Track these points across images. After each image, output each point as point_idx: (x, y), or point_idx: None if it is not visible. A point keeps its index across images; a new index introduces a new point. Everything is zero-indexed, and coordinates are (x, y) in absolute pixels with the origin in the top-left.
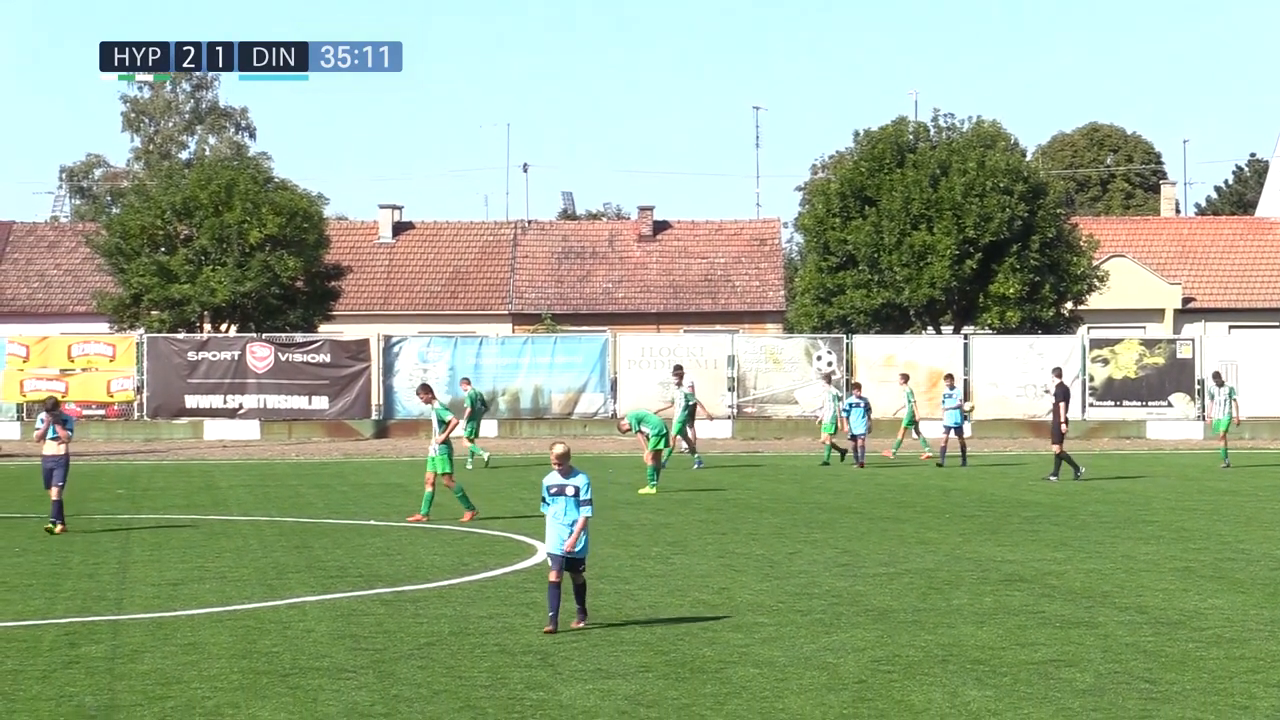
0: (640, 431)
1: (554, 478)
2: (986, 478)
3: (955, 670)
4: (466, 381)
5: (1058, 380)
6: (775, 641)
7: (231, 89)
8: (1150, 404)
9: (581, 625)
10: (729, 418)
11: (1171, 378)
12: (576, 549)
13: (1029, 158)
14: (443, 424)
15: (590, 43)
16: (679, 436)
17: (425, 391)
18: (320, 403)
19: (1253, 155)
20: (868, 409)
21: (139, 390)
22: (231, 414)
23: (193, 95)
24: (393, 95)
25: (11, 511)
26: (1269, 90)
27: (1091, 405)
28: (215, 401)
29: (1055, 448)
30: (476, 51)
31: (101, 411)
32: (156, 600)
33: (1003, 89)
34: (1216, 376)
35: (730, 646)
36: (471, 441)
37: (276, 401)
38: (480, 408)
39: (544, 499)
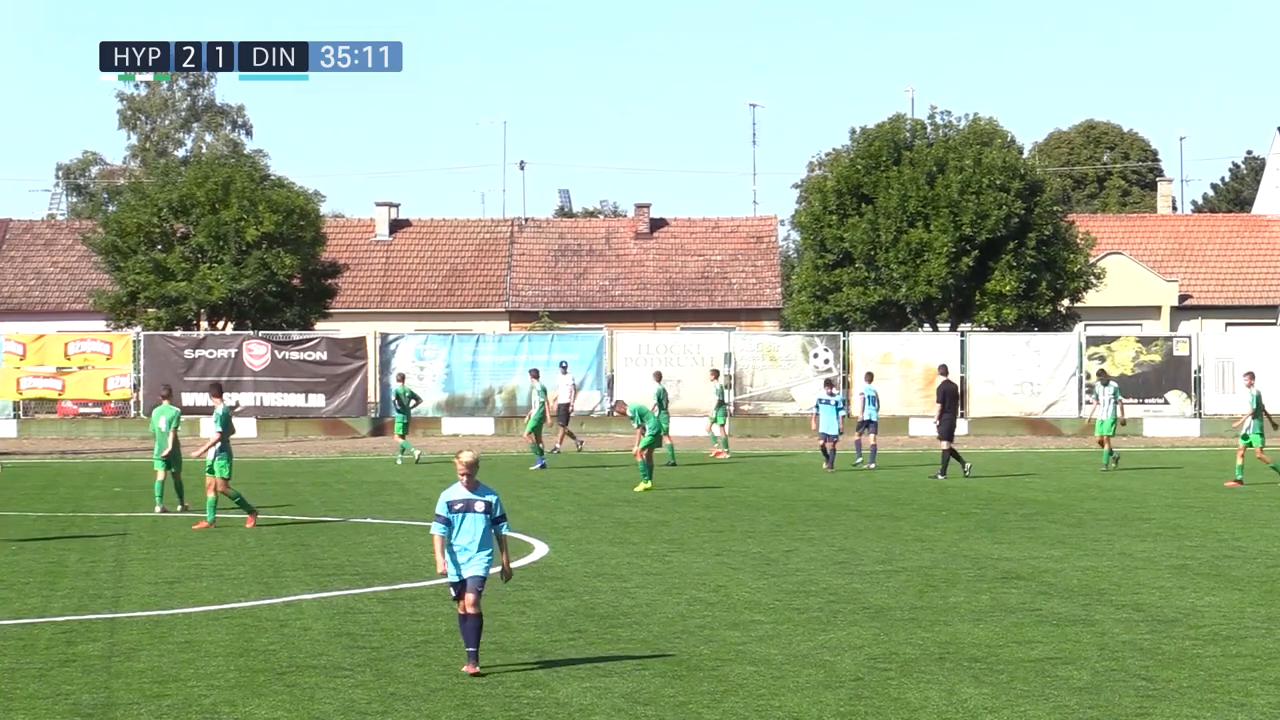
0: (641, 426)
1: (458, 492)
2: (983, 475)
3: (952, 668)
4: (401, 378)
5: (944, 378)
6: (772, 639)
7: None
8: (1147, 401)
9: (475, 671)
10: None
11: (1168, 375)
12: (485, 569)
13: (1026, 155)
14: (219, 428)
15: (587, 40)
16: (531, 435)
17: (214, 391)
18: (317, 400)
19: (1249, 152)
20: (839, 407)
21: (136, 388)
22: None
23: (189, 93)
24: (390, 93)
25: (8, 510)
26: (1265, 88)
27: (1088, 403)
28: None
29: (943, 444)
30: (473, 49)
31: (98, 409)
32: (153, 598)
33: (999, 86)
34: (1102, 375)
35: (727, 644)
36: (403, 438)
37: (273, 399)
38: (410, 404)
39: (439, 517)
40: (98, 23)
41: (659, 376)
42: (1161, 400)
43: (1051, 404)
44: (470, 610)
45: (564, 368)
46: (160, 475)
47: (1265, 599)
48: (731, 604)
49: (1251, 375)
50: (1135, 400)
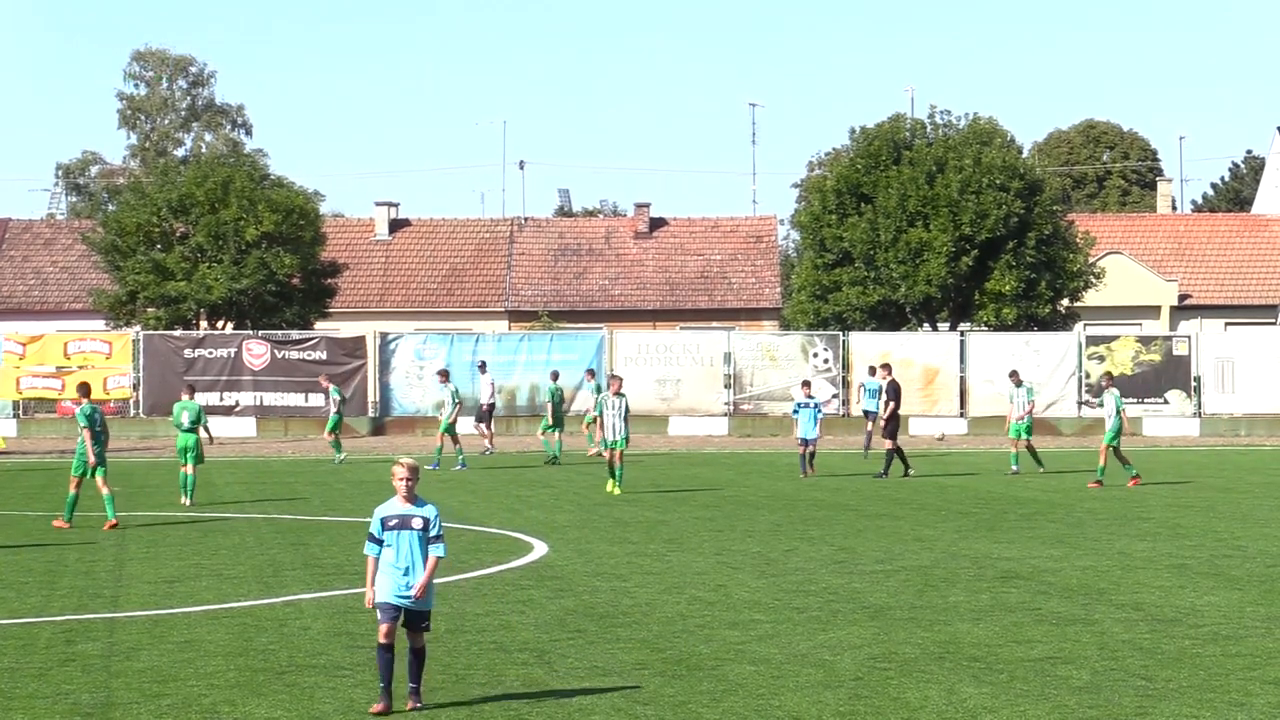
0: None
1: (394, 506)
2: (983, 475)
3: (952, 667)
4: (329, 379)
5: (889, 378)
6: (771, 639)
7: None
8: (1146, 401)
9: (417, 707)
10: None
11: (1167, 375)
12: (429, 600)
13: (1025, 155)
14: (84, 428)
15: (586, 39)
16: (445, 435)
17: (81, 391)
18: (316, 400)
19: (1249, 152)
20: (819, 410)
21: (135, 387)
22: (228, 411)
23: (189, 92)
24: (389, 92)
25: (9, 509)
26: (1265, 87)
27: (1088, 402)
28: (212, 399)
29: (886, 443)
30: (472, 48)
31: None
32: (153, 598)
33: (999, 86)
34: (1014, 375)
35: (726, 644)
36: (333, 438)
37: (273, 399)
38: (341, 405)
39: (372, 536)
40: (97, 23)
41: (555, 376)
42: (1161, 400)
43: (1051, 404)
44: (411, 645)
45: (482, 368)
46: (191, 470)
47: (1265, 598)
48: (731, 603)
49: (1109, 375)
50: (1135, 400)
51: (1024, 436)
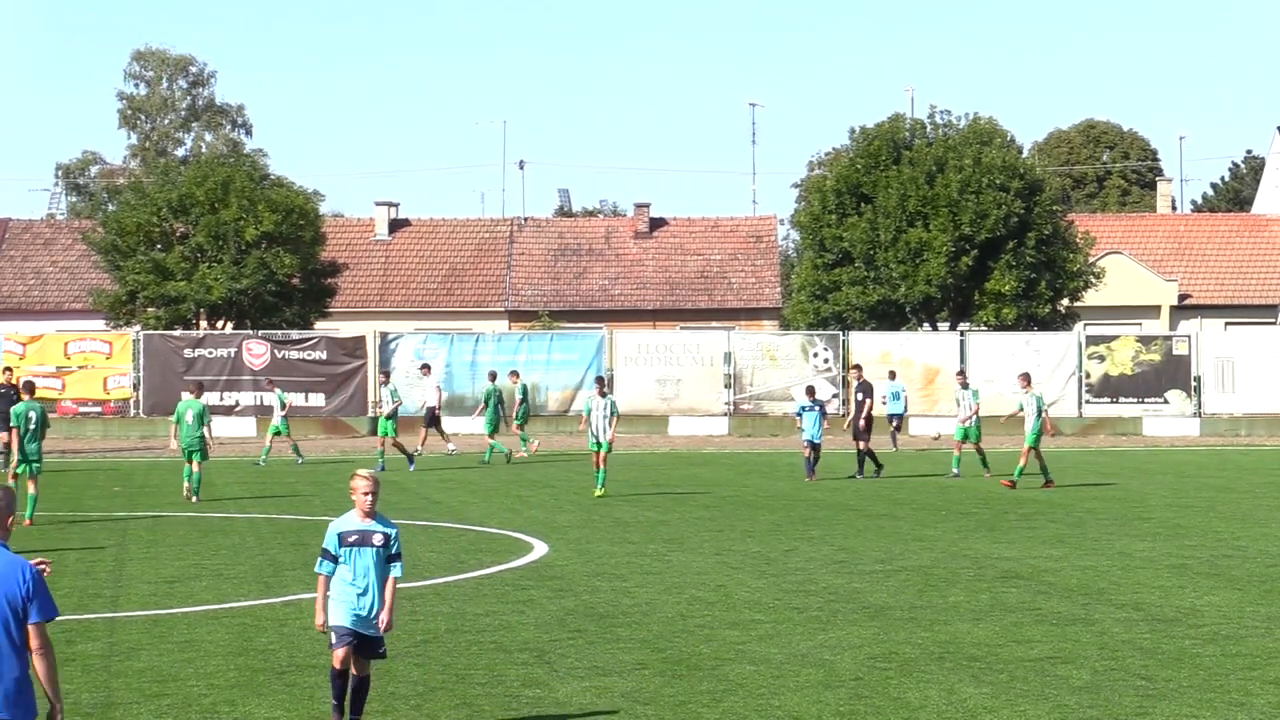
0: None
1: (353, 521)
2: (983, 475)
3: (952, 667)
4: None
5: (860, 378)
6: (772, 639)
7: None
8: (1146, 401)
9: None
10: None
11: (1168, 374)
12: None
13: (1025, 154)
14: (14, 426)
15: (586, 39)
16: (387, 436)
17: (25, 388)
18: (316, 399)
19: (1249, 152)
20: (823, 413)
21: (135, 387)
22: (228, 411)
23: (189, 92)
24: (389, 92)
25: None
26: (1265, 87)
27: (1088, 402)
28: (212, 399)
29: (859, 444)
30: (472, 48)
31: (98, 409)
32: (153, 598)
33: (999, 86)
34: (961, 376)
35: (727, 644)
36: (291, 442)
37: (273, 398)
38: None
39: (327, 552)
40: (97, 23)
41: (493, 376)
42: (1161, 400)
43: (1051, 403)
44: (356, 672)
45: (426, 369)
46: (197, 467)
47: (1265, 598)
48: (731, 603)
49: (1026, 377)
50: (1135, 400)
51: (971, 439)
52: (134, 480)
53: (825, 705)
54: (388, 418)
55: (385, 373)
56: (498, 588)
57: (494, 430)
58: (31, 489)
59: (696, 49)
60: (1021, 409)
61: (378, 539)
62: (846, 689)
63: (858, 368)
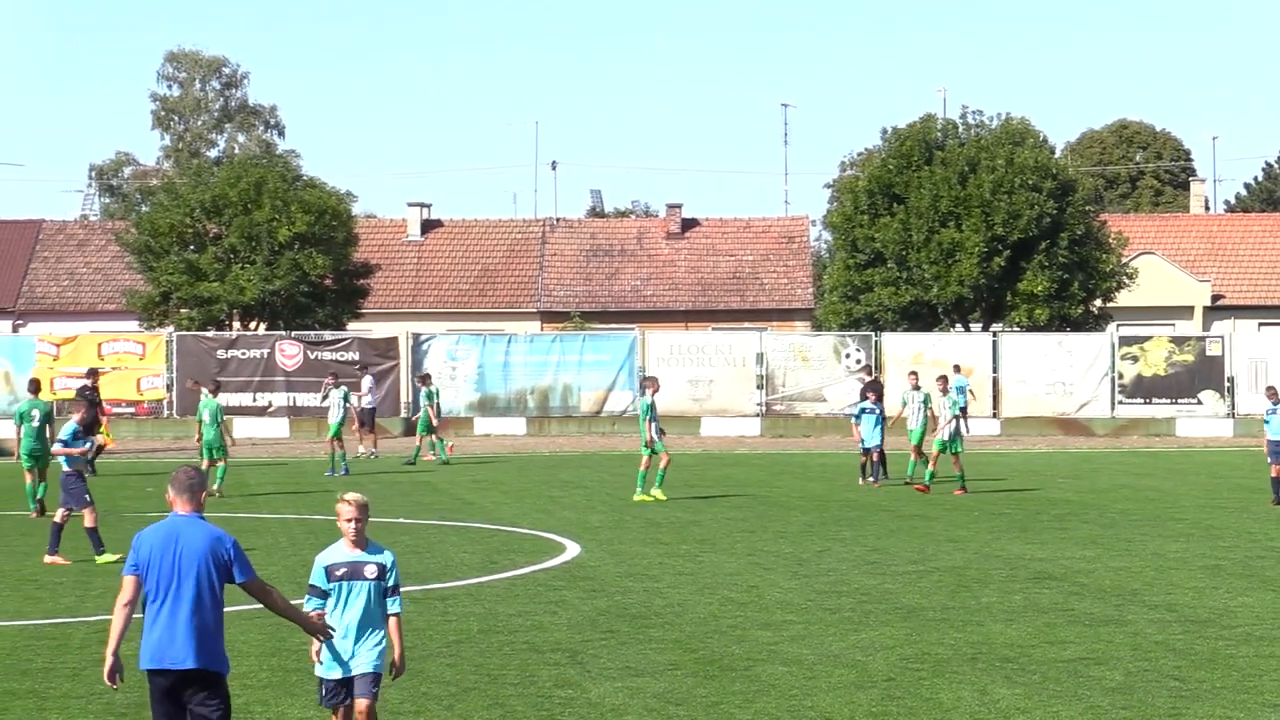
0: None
1: (340, 552)
2: (1016, 476)
3: (984, 668)
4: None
5: (871, 377)
6: (804, 639)
7: (261, 87)
8: (1179, 401)
9: None
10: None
11: (1201, 375)
12: (378, 662)
13: (1058, 155)
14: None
15: (618, 40)
16: (335, 439)
17: (30, 388)
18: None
19: None
20: (882, 416)
21: (169, 388)
22: (261, 412)
23: (222, 93)
24: (421, 93)
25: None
26: None
27: (1121, 403)
28: (244, 399)
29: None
30: (505, 48)
31: (131, 409)
32: None
33: (1031, 86)
34: (913, 377)
35: (759, 644)
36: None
37: (305, 399)
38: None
39: (314, 588)
40: (130, 24)
41: (426, 379)
42: (1194, 400)
43: (1084, 404)
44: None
45: (364, 368)
46: (206, 464)
47: None
48: (763, 604)
49: (944, 379)
50: (1168, 400)
51: (919, 443)
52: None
53: (858, 706)
54: (341, 420)
55: (334, 375)
56: (530, 588)
57: (428, 431)
58: (29, 481)
59: (729, 50)
60: (925, 407)
61: (370, 571)
62: (879, 690)
63: (867, 369)
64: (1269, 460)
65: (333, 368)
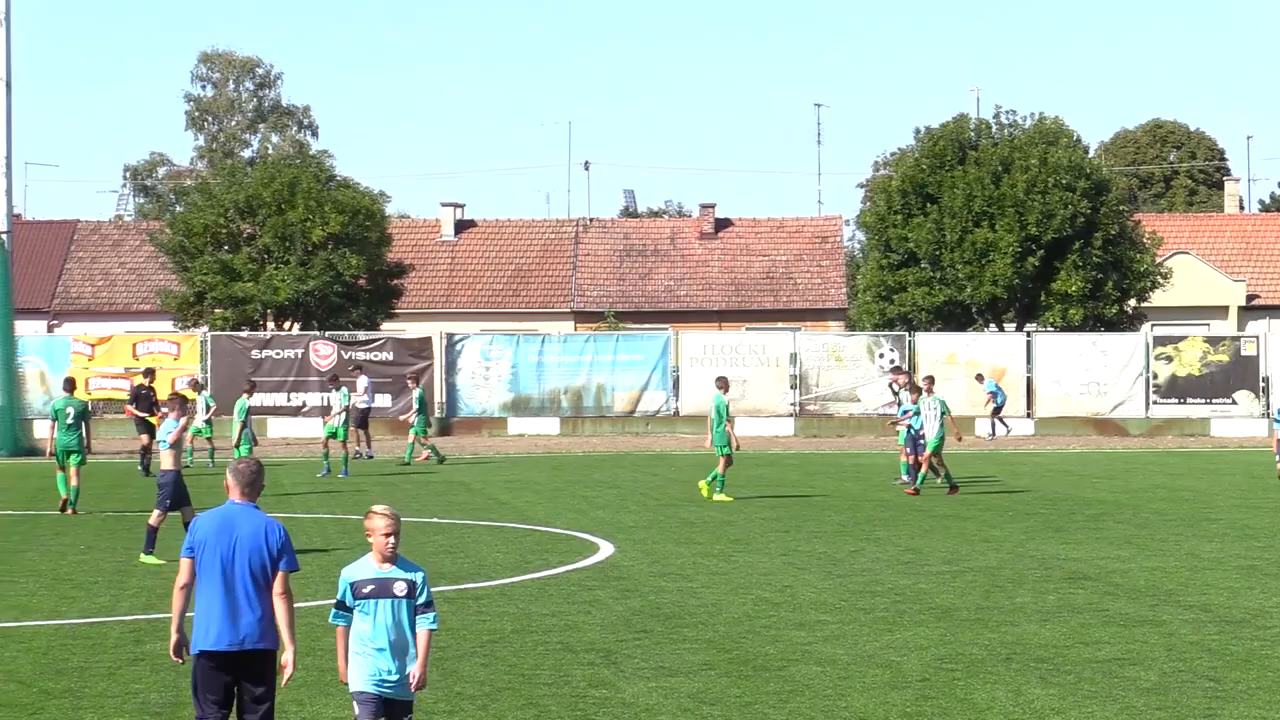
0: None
1: (368, 568)
2: (1050, 476)
3: (1019, 668)
4: (250, 386)
5: (904, 381)
6: (838, 639)
7: (295, 87)
8: (1214, 401)
9: None
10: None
11: (1236, 375)
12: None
13: (1091, 154)
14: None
15: (651, 40)
16: (339, 441)
17: (65, 386)
18: (383, 400)
19: None
20: (945, 413)
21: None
22: (295, 412)
23: (256, 94)
24: (455, 93)
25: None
26: None
27: (1155, 403)
28: (279, 399)
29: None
30: (538, 49)
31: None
32: None
33: (1065, 86)
34: (928, 381)
35: (793, 644)
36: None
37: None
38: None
39: (342, 605)
40: (165, 25)
41: (415, 381)
42: (1229, 400)
43: (1118, 404)
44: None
45: (358, 369)
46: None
47: None
48: (797, 604)
49: (931, 380)
50: (1203, 400)
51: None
52: (202, 481)
53: (892, 706)
54: (343, 423)
55: (335, 378)
56: (564, 588)
57: (424, 432)
58: (74, 480)
59: (762, 50)
60: (916, 411)
61: (400, 588)
62: (913, 690)
63: (897, 369)
64: (1277, 457)
65: (333, 369)
